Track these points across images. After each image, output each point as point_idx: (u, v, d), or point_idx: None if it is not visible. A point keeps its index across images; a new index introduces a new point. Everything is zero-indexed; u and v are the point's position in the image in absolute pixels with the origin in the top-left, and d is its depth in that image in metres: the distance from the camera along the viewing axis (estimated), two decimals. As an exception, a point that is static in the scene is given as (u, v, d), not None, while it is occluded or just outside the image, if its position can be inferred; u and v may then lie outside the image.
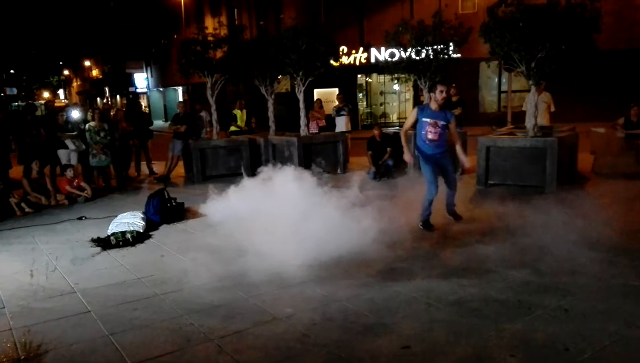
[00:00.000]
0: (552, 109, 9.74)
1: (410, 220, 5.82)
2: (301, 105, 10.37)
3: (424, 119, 5.62)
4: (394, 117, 23.46)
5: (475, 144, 8.25)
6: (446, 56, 9.40)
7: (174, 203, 6.91)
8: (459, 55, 12.48)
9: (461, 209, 6.28)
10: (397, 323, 3.49)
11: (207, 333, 3.43)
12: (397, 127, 19.26)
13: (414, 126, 5.91)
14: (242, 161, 10.06)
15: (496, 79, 21.23)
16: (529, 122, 7.82)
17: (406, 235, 5.37)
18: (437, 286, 4.09)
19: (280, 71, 10.19)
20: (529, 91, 8.16)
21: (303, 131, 10.39)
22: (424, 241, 5.32)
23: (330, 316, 3.61)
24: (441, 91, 5.50)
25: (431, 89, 5.65)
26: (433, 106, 5.60)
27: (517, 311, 3.60)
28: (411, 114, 5.91)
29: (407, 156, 5.93)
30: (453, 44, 9.47)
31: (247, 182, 6.62)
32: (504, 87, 20.46)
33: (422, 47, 9.29)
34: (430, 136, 5.59)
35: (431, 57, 9.35)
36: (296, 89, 10.25)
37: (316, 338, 3.32)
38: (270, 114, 10.74)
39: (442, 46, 9.32)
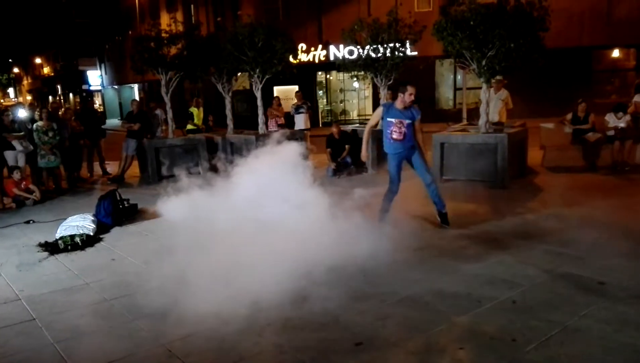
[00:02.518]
0: (510, 106, 10.04)
1: (366, 215, 5.84)
2: (259, 103, 10.29)
3: (389, 119, 5.59)
4: (354, 115, 23.62)
5: (430, 140, 8.40)
6: (402, 54, 9.52)
7: (126, 204, 6.73)
8: (415, 53, 12.67)
9: (416, 204, 6.37)
10: (351, 319, 3.51)
11: (157, 338, 3.34)
12: (357, 125, 19.41)
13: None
14: (199, 160, 9.89)
15: (451, 77, 21.70)
16: (481, 119, 8.02)
17: (362, 231, 5.39)
18: (391, 281, 4.13)
19: (237, 68, 10.07)
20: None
21: (261, 129, 10.31)
22: (382, 236, 5.36)
23: (285, 315, 3.59)
24: (410, 94, 5.44)
25: (400, 90, 5.56)
26: (399, 105, 5.55)
27: (468, 304, 3.68)
28: (376, 113, 5.88)
29: (363, 154, 5.96)
30: (409, 42, 9.60)
31: (204, 181, 6.51)
32: (459, 85, 20.94)
33: (378, 45, 9.38)
34: (395, 136, 5.57)
35: (387, 55, 9.45)
36: (254, 86, 10.16)
37: (270, 338, 3.30)
38: (228, 112, 10.61)
39: (397, 44, 9.43)
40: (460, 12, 7.47)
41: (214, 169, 9.32)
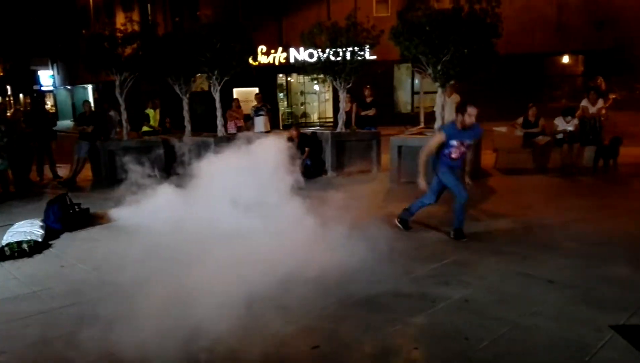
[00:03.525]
0: None
1: (326, 219, 5.85)
2: (217, 105, 10.16)
3: (452, 141, 5.30)
4: (314, 117, 23.69)
5: (388, 143, 8.52)
6: (361, 58, 9.61)
7: (77, 209, 6.49)
8: (374, 57, 12.81)
9: (375, 206, 6.45)
10: (307, 323, 3.50)
11: (105, 348, 3.23)
12: (318, 127, 19.50)
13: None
14: (155, 163, 9.65)
15: (409, 81, 22.10)
16: (436, 123, 8.19)
17: (326, 235, 5.39)
18: (348, 283, 4.14)
19: (195, 69, 9.92)
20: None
21: (220, 131, 10.19)
22: (339, 239, 5.37)
23: (236, 315, 3.52)
24: (470, 115, 5.15)
25: (460, 110, 5.29)
26: (459, 126, 5.28)
27: (423, 304, 3.74)
28: (436, 139, 5.39)
29: (422, 183, 5.45)
30: (368, 46, 9.70)
31: (160, 185, 6.37)
32: (417, 89, 21.35)
33: (337, 49, 9.43)
34: (454, 156, 5.35)
35: (347, 58, 9.51)
36: (212, 88, 10.02)
37: (220, 340, 3.24)
38: (186, 113, 10.42)
39: (356, 48, 9.51)
40: (416, 17, 7.61)
41: (170, 172, 9.18)
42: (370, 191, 8.08)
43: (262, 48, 20.89)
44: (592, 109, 9.17)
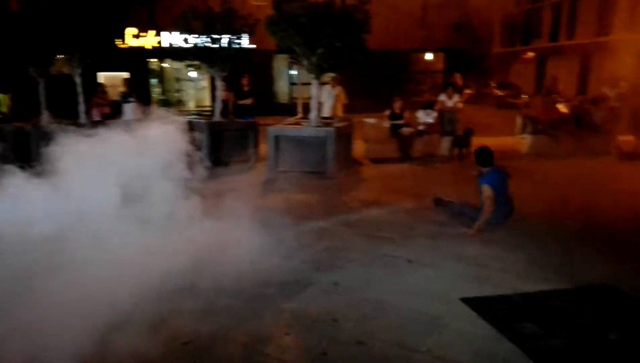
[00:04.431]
0: (345, 101, 10.72)
1: (201, 211, 5.70)
2: (79, 90, 9.34)
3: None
4: (190, 105, 22.89)
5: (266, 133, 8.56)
6: (237, 46, 9.47)
7: None
8: (253, 46, 12.69)
9: (252, 196, 6.46)
10: (178, 321, 3.40)
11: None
12: (194, 116, 18.85)
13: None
14: (5, 151, 8.63)
15: (288, 71, 22.34)
16: (311, 114, 8.40)
17: (199, 227, 5.25)
18: (219, 276, 4.07)
19: (53, 50, 9.00)
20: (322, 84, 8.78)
21: (83, 118, 9.40)
22: (213, 231, 5.29)
23: (104, 314, 3.33)
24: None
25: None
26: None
27: (294, 290, 3.85)
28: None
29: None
30: (245, 35, 9.59)
31: (9, 177, 5.69)
32: (295, 79, 21.65)
33: (212, 35, 9.19)
34: None
35: (224, 45, 9.31)
36: (73, 71, 9.19)
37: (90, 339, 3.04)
38: (43, 98, 9.43)
39: (233, 36, 9.35)
40: (291, 8, 7.68)
41: (23, 162, 8.25)
42: (247, 181, 8.07)
43: (133, 30, 19.62)
44: (449, 103, 10.08)
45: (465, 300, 3.68)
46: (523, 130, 10.55)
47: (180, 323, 3.36)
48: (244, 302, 3.66)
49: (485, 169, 5.49)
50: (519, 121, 10.80)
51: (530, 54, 29.25)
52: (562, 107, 10.48)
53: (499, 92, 24.95)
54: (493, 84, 25.83)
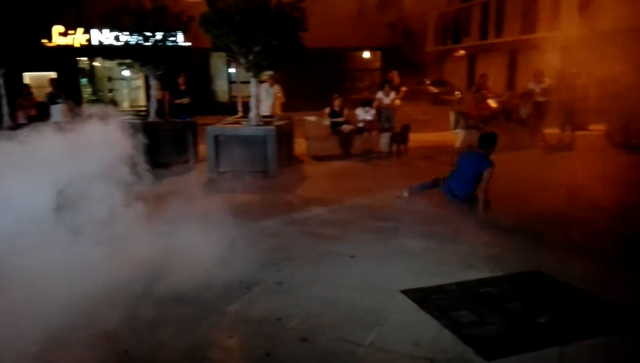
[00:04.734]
0: (283, 100, 10.70)
1: (140, 215, 5.50)
2: (2, 91, 8.79)
3: None
4: (124, 105, 22.04)
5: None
6: (171, 44, 9.22)
7: None
8: (189, 43, 12.38)
9: (194, 196, 6.31)
10: (115, 328, 3.27)
11: None
12: (129, 116, 18.16)
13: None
14: None
15: (226, 70, 22.01)
16: (251, 112, 8.33)
17: (138, 232, 5.06)
18: (162, 280, 3.96)
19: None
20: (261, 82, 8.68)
21: (7, 121, 8.84)
22: (153, 236, 5.13)
23: (49, 325, 3.15)
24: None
25: None
26: None
27: (237, 291, 3.80)
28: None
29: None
30: (180, 32, 9.34)
31: None
32: (234, 78, 21.38)
33: (145, 33, 8.89)
34: None
35: (158, 43, 9.02)
36: (-6, 71, 8.63)
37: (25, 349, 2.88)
38: (-42, 100, 8.79)
39: (166, 33, 9.09)
40: (225, 5, 7.56)
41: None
42: (187, 183, 7.88)
43: (60, 28, 18.64)
44: (386, 100, 10.32)
45: (406, 292, 3.79)
46: (456, 125, 10.98)
47: (119, 332, 3.23)
48: (185, 307, 3.57)
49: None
50: (452, 116, 11.22)
51: (462, 52, 30.51)
52: (492, 103, 10.97)
53: (433, 89, 25.83)
54: (428, 82, 26.70)
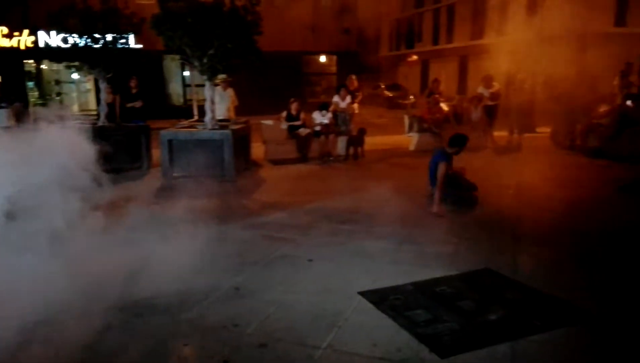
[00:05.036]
0: (236, 103, 10.60)
1: (92, 221, 5.31)
2: (-62, 94, 8.31)
3: None
4: (74, 109, 21.25)
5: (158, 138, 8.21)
6: (122, 46, 8.96)
7: None
8: (140, 46, 12.09)
9: (148, 202, 6.17)
10: (68, 336, 3.15)
11: None
12: (80, 121, 17.51)
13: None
14: None
15: (181, 73, 21.62)
16: (206, 116, 8.21)
17: (87, 239, 4.88)
18: (115, 289, 3.84)
19: None
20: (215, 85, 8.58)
21: (-56, 126, 8.35)
22: (105, 243, 4.96)
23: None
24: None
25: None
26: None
27: (193, 298, 3.73)
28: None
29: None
30: (131, 35, 9.10)
31: None
32: (188, 81, 21.02)
33: (93, 35, 8.61)
34: None
35: (107, 46, 8.75)
36: None
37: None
38: None
39: (116, 35, 8.83)
40: (177, 7, 7.43)
41: None
42: (140, 189, 7.66)
43: (3, 29, 17.84)
44: (342, 104, 10.40)
45: (363, 294, 3.82)
46: (410, 129, 11.20)
47: (72, 344, 3.11)
48: (138, 316, 3.47)
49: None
50: (406, 120, 11.44)
51: (415, 57, 31.20)
52: (444, 107, 11.26)
53: (388, 94, 26.27)
54: (383, 86, 27.14)
